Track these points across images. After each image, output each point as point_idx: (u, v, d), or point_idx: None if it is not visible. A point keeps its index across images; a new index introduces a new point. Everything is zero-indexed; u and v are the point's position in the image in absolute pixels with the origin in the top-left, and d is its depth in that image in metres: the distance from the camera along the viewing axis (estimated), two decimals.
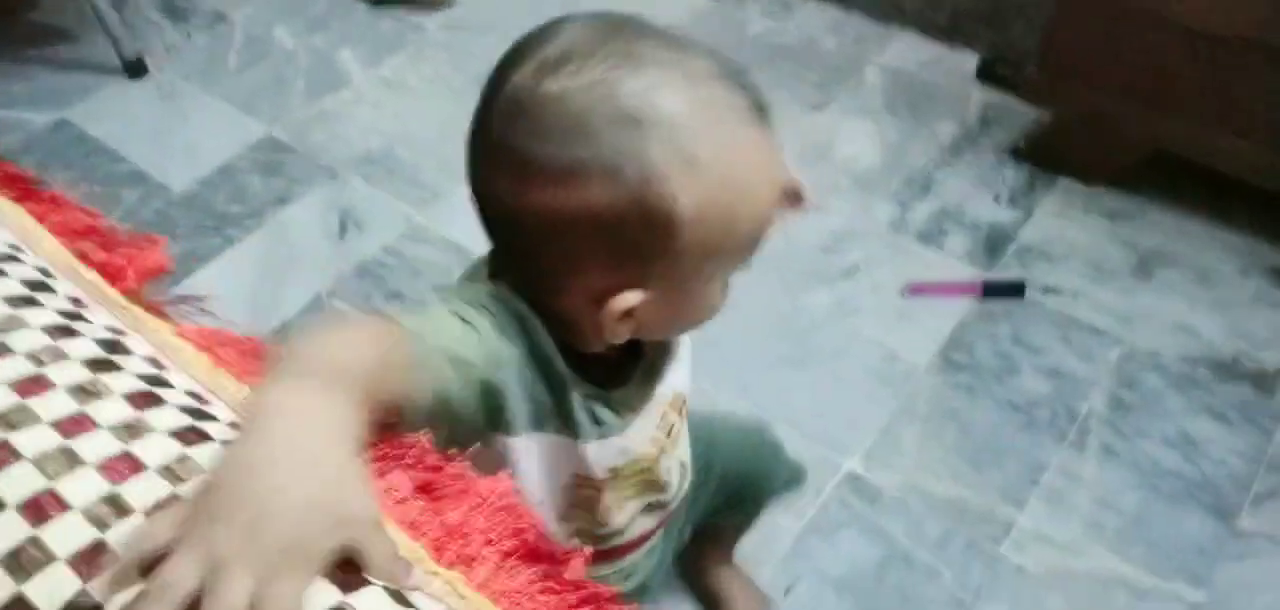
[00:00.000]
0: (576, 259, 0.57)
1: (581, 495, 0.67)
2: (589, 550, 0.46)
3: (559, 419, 0.62)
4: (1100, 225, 1.47)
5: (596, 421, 0.64)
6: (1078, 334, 1.33)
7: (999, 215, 1.50)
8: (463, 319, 0.56)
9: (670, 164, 0.53)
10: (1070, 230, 1.47)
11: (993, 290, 1.38)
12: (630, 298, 0.57)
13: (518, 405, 0.59)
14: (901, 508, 1.16)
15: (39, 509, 0.36)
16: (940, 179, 1.56)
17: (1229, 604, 1.07)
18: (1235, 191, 1.46)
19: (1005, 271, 1.41)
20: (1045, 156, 1.55)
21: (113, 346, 0.45)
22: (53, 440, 0.39)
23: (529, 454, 0.62)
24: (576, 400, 0.62)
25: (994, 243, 1.46)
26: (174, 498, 0.38)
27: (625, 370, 0.67)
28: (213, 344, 0.50)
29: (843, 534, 1.15)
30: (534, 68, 0.54)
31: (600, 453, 0.65)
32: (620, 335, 0.60)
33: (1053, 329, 1.34)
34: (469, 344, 0.55)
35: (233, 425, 0.45)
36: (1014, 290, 1.37)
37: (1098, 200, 1.51)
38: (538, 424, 0.61)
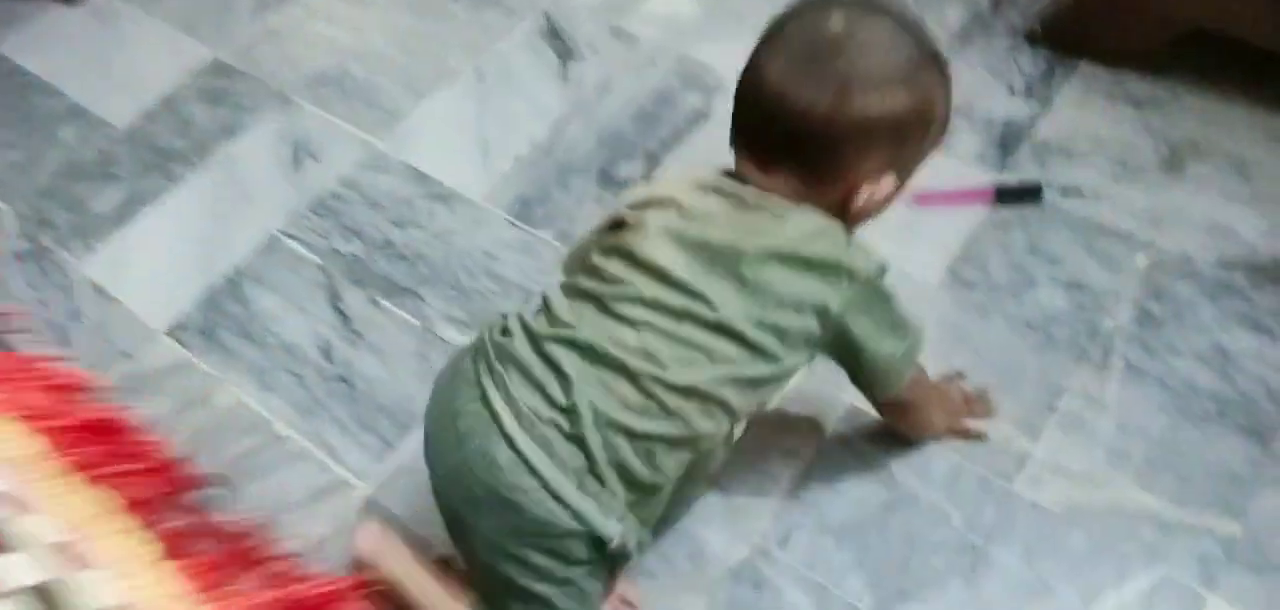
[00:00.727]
0: (868, 151, 0.84)
1: None
2: None
3: None
4: (1126, 115, 1.33)
5: None
6: (1101, 240, 1.20)
7: (1013, 109, 1.35)
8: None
9: (937, 81, 0.86)
10: (1093, 122, 1.33)
11: (1006, 195, 1.25)
12: (890, 180, 0.87)
13: None
14: (905, 443, 1.06)
15: None
16: None
17: (1266, 537, 0.96)
18: (1277, 69, 1.31)
19: (1021, 173, 1.28)
20: (1064, 39, 1.40)
21: None
22: None
23: None
24: None
25: (1008, 140, 1.32)
26: None
27: None
28: (10, 377, 0.39)
29: (844, 476, 1.05)
30: (844, 19, 0.83)
31: None
32: (870, 214, 0.89)
33: (1073, 236, 1.21)
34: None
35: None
36: (1030, 194, 1.24)
37: (1123, 86, 1.36)
38: None
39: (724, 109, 0.88)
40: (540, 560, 0.85)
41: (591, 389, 0.84)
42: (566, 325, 0.87)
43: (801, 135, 0.83)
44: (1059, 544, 0.98)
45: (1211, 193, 1.24)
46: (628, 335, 0.85)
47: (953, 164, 1.30)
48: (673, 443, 0.86)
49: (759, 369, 0.86)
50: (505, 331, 0.90)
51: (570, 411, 0.83)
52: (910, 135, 0.85)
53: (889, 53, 0.83)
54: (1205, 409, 1.05)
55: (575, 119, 1.43)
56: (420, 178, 1.38)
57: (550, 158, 1.39)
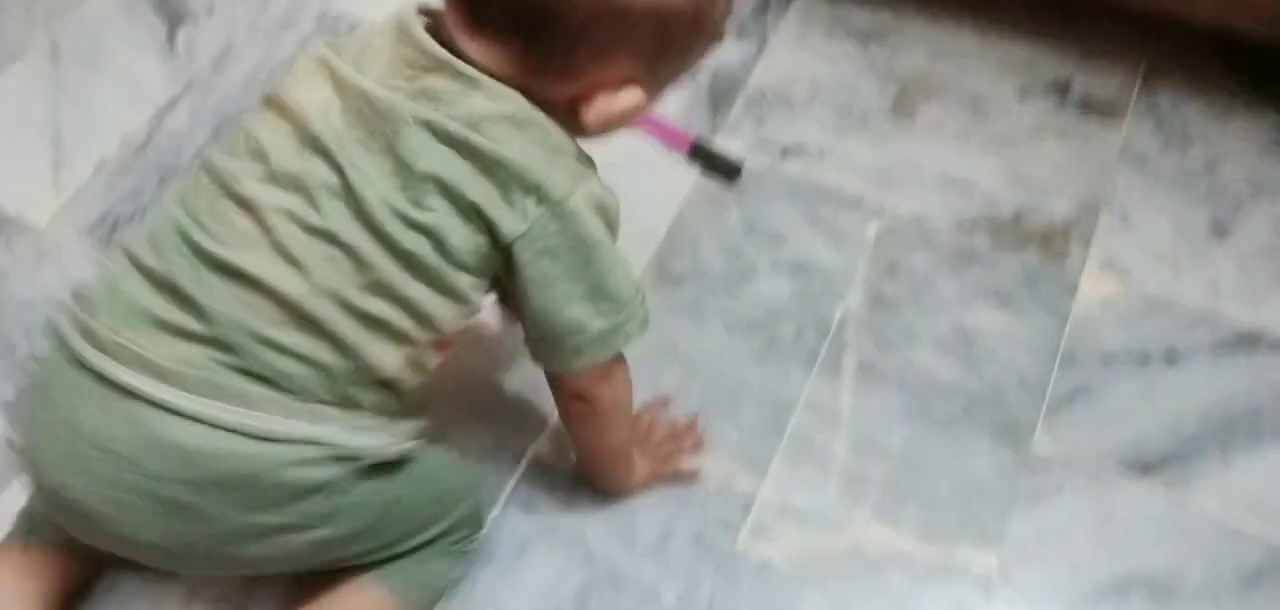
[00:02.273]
0: (617, 51, 0.63)
1: None
2: None
3: None
4: (849, 53, 1.14)
5: None
6: (827, 208, 1.01)
7: (724, 53, 1.13)
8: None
9: None
10: (813, 63, 1.13)
11: (702, 155, 1.03)
12: (635, 95, 0.65)
13: None
14: (605, 502, 0.83)
15: None
16: None
17: (1026, 566, 0.80)
18: None
19: (736, 131, 1.07)
20: None
21: None
22: None
23: None
24: None
25: (719, 92, 1.10)
26: None
27: None
28: None
29: (528, 554, 0.81)
30: None
31: None
32: (605, 129, 0.67)
33: (796, 206, 1.01)
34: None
35: None
36: (726, 169, 1.03)
37: (845, 18, 1.17)
38: None
39: None
40: (303, 511, 0.64)
41: (230, 308, 0.62)
42: (180, 225, 0.64)
43: (522, 12, 0.61)
44: None
45: (945, 138, 1.07)
46: (249, 227, 0.63)
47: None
48: (346, 368, 0.63)
49: (416, 291, 0.63)
50: (88, 293, 0.66)
51: (219, 344, 0.62)
52: (675, 42, 0.64)
53: None
54: (949, 410, 0.88)
55: (183, 102, 1.10)
56: None
57: (146, 157, 1.05)
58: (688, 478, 0.84)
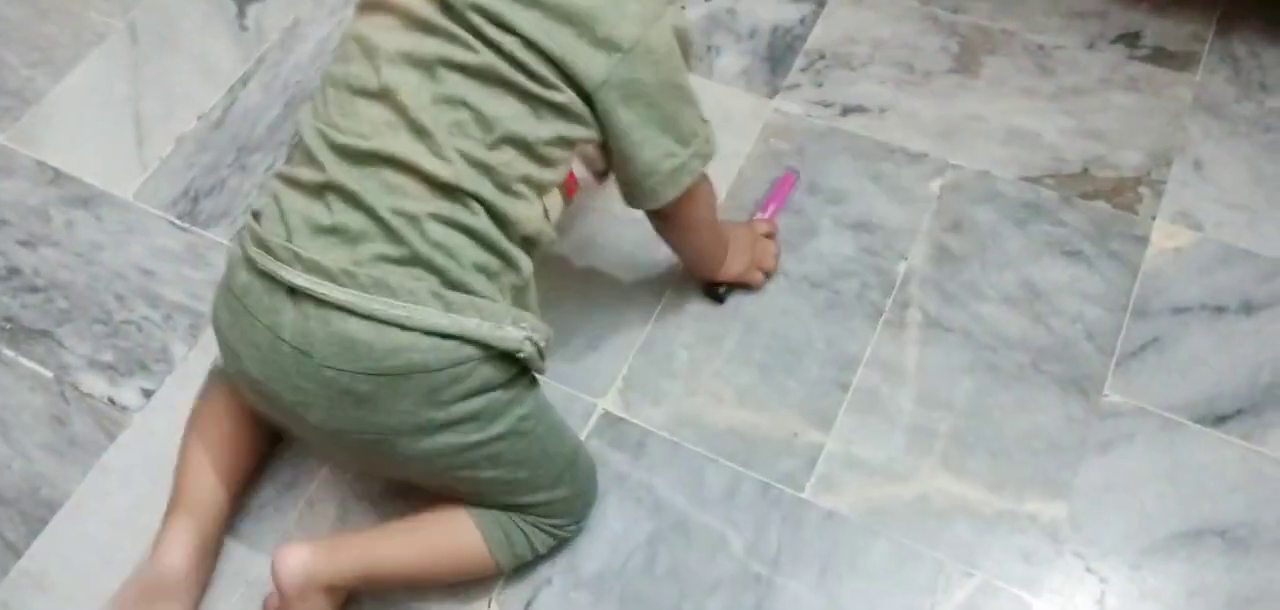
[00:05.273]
0: None
1: None
2: None
3: None
4: (910, 9, 1.13)
5: None
6: (890, 165, 1.01)
7: (782, 12, 1.14)
8: None
9: None
10: (873, 21, 1.13)
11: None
12: None
13: None
14: (673, 454, 0.85)
15: None
16: None
17: (1097, 515, 0.80)
18: None
19: (795, 90, 1.07)
20: None
21: None
22: None
23: None
24: None
25: (778, 53, 1.10)
26: None
27: None
28: None
29: (599, 506, 0.83)
30: None
31: None
32: None
33: (858, 164, 1.01)
34: None
35: None
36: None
37: None
38: None
39: None
40: (463, 408, 0.70)
41: (379, 194, 0.68)
42: (322, 132, 0.70)
43: None
44: (859, 560, 0.79)
45: (1010, 91, 1.06)
46: (381, 113, 0.69)
47: (714, 87, 1.08)
48: (490, 229, 0.70)
49: (532, 127, 0.70)
50: (262, 212, 0.73)
51: (383, 228, 0.67)
52: None
53: None
54: (1017, 362, 0.88)
55: (255, 79, 1.13)
56: (57, 177, 1.06)
57: (223, 132, 1.09)
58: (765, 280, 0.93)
